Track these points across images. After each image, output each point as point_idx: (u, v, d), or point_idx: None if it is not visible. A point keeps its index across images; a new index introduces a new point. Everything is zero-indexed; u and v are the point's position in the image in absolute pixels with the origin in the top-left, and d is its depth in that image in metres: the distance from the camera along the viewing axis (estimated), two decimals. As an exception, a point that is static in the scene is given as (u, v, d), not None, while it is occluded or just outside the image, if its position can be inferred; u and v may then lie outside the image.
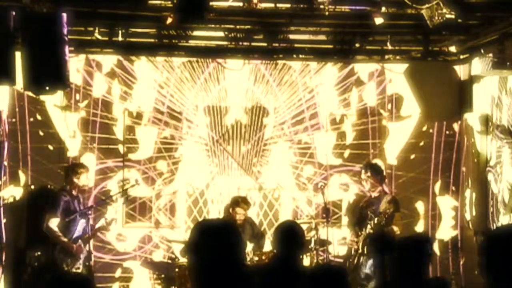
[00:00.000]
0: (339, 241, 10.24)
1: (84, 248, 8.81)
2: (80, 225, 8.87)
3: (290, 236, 5.50)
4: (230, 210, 9.42)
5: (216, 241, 3.47)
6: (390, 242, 5.44)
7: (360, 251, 8.95)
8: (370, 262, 8.84)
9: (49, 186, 9.81)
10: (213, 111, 10.55)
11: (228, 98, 10.55)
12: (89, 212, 8.79)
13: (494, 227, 9.43)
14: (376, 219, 8.77)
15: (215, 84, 10.52)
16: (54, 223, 8.76)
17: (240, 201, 9.41)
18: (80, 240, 8.82)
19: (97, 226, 9.26)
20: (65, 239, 8.74)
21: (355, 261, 8.99)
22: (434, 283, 5.28)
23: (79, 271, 8.67)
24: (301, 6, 8.30)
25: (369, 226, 8.84)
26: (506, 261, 3.07)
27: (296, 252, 5.51)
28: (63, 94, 9.98)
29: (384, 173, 9.65)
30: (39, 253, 8.79)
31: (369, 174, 9.25)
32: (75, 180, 8.98)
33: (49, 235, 8.75)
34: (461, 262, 10.51)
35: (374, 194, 9.27)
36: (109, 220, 9.17)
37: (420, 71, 9.98)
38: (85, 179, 9.15)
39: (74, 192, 9.01)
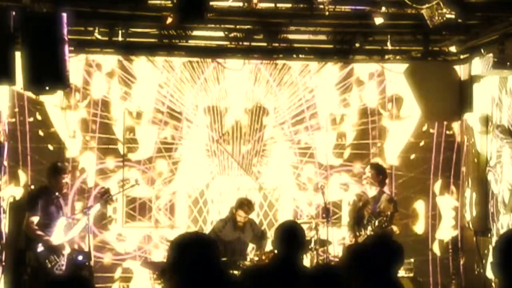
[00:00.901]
0: (339, 241, 10.24)
1: (65, 245, 8.81)
2: (60, 225, 8.84)
3: (291, 236, 5.48)
4: (234, 211, 9.43)
5: (196, 255, 3.47)
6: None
7: None
8: None
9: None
10: (213, 111, 10.54)
11: (228, 98, 10.55)
12: (89, 212, 8.75)
13: (495, 227, 9.43)
14: (377, 220, 8.73)
15: (215, 84, 10.51)
16: (34, 221, 8.73)
17: (245, 205, 9.41)
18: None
19: (69, 235, 9.06)
20: (46, 236, 8.71)
21: None
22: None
23: (63, 268, 8.66)
24: (301, 6, 8.30)
25: (369, 228, 8.81)
26: None
27: (297, 252, 5.49)
28: (63, 94, 9.98)
29: (387, 177, 9.58)
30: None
31: (372, 173, 9.23)
32: (58, 181, 8.92)
33: (28, 234, 8.73)
34: (461, 262, 10.51)
35: (372, 194, 9.27)
36: (85, 225, 9.00)
37: (420, 71, 9.98)
38: (67, 181, 9.11)
39: (56, 193, 8.97)
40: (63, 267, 8.69)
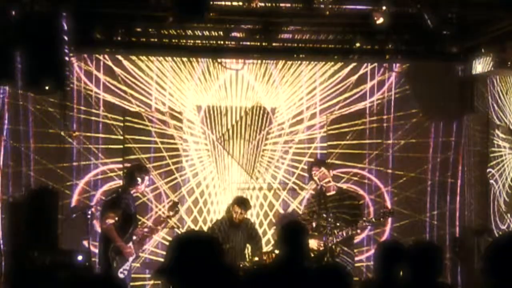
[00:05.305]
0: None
1: (134, 250, 8.79)
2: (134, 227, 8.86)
3: (295, 235, 5.47)
4: (231, 208, 9.43)
5: (200, 253, 3.45)
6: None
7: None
8: None
9: (50, 186, 9.81)
10: (213, 111, 10.54)
11: (228, 98, 10.55)
12: (89, 212, 8.72)
13: (495, 227, 9.43)
14: (373, 218, 8.58)
15: (215, 84, 10.51)
16: (114, 221, 8.60)
17: (241, 202, 9.37)
18: (131, 243, 8.78)
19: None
20: (121, 241, 8.67)
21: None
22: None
23: (126, 273, 8.64)
24: (301, 5, 8.29)
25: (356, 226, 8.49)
26: (508, 267, 3.09)
27: (301, 252, 5.47)
28: (63, 94, 9.96)
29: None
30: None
31: (324, 170, 8.70)
32: (140, 182, 8.84)
33: (106, 233, 8.67)
34: (461, 262, 10.49)
35: (331, 192, 8.72)
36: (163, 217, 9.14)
37: (420, 71, 9.97)
38: (147, 182, 9.00)
39: (133, 194, 8.90)
40: (126, 272, 8.66)
